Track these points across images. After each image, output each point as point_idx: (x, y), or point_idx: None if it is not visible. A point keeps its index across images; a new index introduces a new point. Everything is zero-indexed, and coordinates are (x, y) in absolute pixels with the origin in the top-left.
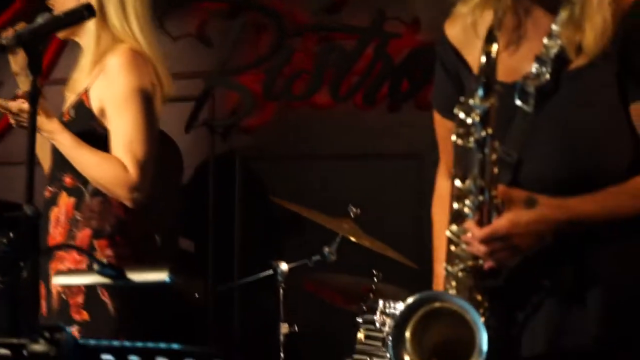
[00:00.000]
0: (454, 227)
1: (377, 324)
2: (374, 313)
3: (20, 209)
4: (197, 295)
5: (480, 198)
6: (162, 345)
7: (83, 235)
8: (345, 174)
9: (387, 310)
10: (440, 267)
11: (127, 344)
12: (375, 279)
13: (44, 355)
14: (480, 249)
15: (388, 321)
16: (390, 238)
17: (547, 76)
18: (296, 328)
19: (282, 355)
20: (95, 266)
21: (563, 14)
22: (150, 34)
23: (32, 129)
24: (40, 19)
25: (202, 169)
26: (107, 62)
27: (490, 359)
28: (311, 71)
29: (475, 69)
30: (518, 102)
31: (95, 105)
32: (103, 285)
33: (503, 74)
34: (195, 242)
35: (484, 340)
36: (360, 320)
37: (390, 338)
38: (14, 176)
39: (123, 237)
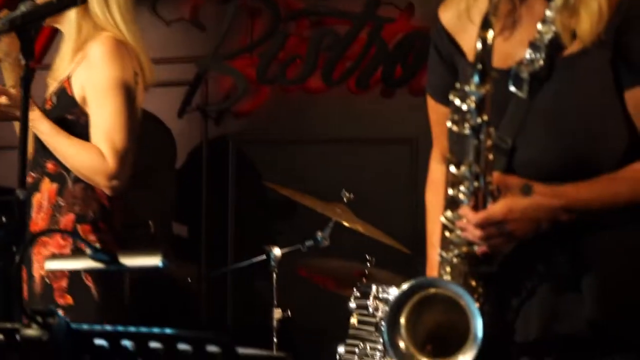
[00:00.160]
0: (449, 213)
1: (370, 309)
2: (367, 298)
3: (11, 194)
4: (190, 280)
5: (476, 184)
6: (155, 329)
7: (66, 220)
8: (338, 158)
9: (380, 295)
10: (434, 252)
11: (120, 328)
12: (368, 264)
13: (37, 340)
14: (475, 233)
15: (381, 306)
16: (383, 223)
17: (541, 62)
18: (289, 313)
19: (275, 340)
20: (88, 251)
21: (558, 0)
22: (132, 22)
23: (25, 114)
24: (23, 7)
25: (195, 154)
26: (89, 50)
27: (484, 344)
28: (305, 56)
29: (469, 55)
30: (512, 88)
31: (77, 92)
32: (87, 270)
33: (497, 60)
34: (188, 227)
35: (479, 326)
36: (353, 305)
37: (384, 324)
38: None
39: (106, 224)
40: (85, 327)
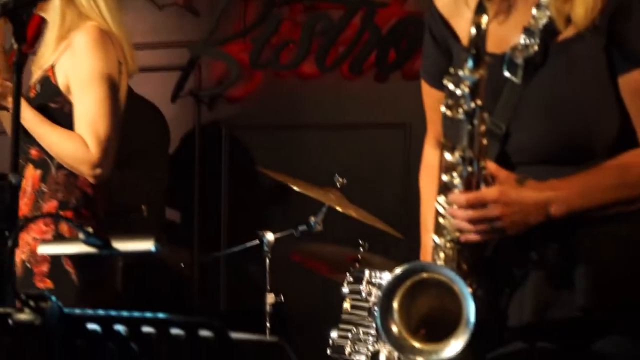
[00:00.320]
0: (443, 199)
1: (363, 294)
2: (360, 283)
3: (2, 178)
4: (182, 265)
5: (469, 169)
6: (148, 314)
7: (49, 206)
8: (331, 143)
9: (373, 280)
10: (427, 238)
11: (113, 313)
12: (361, 249)
13: (29, 324)
14: (464, 214)
15: (374, 291)
16: (376, 208)
17: (536, 47)
18: (282, 298)
19: (268, 324)
20: (81, 235)
21: None
22: (116, 10)
23: (17, 98)
24: None
25: (188, 139)
26: (73, 39)
27: (477, 329)
28: (298, 41)
29: (464, 39)
30: (506, 74)
31: (61, 81)
32: (67, 255)
33: (492, 45)
34: (181, 212)
35: (471, 310)
36: (346, 290)
37: (377, 308)
38: None
39: (89, 211)
40: (78, 311)
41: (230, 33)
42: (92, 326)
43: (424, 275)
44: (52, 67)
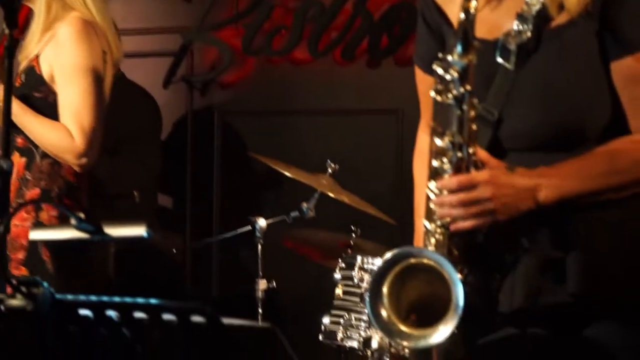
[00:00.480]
0: (433, 184)
1: (355, 280)
2: (352, 269)
3: None
4: (174, 251)
5: (459, 154)
6: (140, 300)
7: (32, 194)
8: (324, 129)
9: (365, 266)
10: (421, 223)
11: (104, 298)
12: (353, 235)
13: (21, 310)
14: (457, 197)
15: (366, 277)
16: (369, 194)
17: (529, 33)
18: (274, 284)
19: (260, 311)
20: (73, 221)
21: None
22: (101, 1)
23: (9, 84)
24: None
25: (181, 125)
26: (57, 31)
27: (468, 315)
28: (290, 27)
29: (456, 25)
30: (499, 60)
31: (45, 71)
32: (46, 244)
33: (485, 31)
34: (173, 197)
35: (460, 296)
36: (338, 276)
37: (367, 293)
38: None
39: (72, 200)
40: (70, 297)
41: (223, 19)
42: (84, 312)
43: (414, 260)
44: (37, 57)
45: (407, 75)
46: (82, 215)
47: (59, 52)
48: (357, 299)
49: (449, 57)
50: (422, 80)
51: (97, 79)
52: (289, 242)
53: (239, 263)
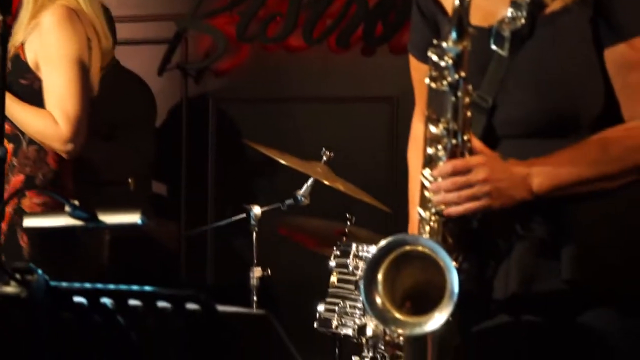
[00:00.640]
0: (427, 171)
1: (350, 268)
2: (347, 257)
3: None
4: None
5: (454, 141)
6: (135, 287)
7: (16, 180)
8: (318, 117)
9: (360, 254)
10: (415, 211)
11: (99, 286)
12: (348, 223)
13: (15, 297)
14: (452, 181)
15: (361, 265)
16: (364, 181)
17: (523, 20)
18: (269, 271)
19: (255, 298)
20: (67, 208)
21: None
22: None
23: (3, 70)
24: None
25: (175, 112)
26: (42, 19)
27: (462, 301)
28: (285, 14)
29: (451, 12)
30: (493, 46)
31: (30, 58)
32: (26, 230)
33: (479, 18)
34: (168, 185)
35: (454, 281)
36: (333, 263)
37: (362, 281)
38: None
39: (57, 187)
40: (64, 284)
41: (217, 6)
42: (78, 299)
43: (409, 247)
44: (22, 45)
45: (402, 63)
46: (76, 202)
47: (42, 40)
48: (352, 287)
49: (444, 44)
50: (417, 69)
51: (82, 65)
52: (284, 230)
53: (234, 251)
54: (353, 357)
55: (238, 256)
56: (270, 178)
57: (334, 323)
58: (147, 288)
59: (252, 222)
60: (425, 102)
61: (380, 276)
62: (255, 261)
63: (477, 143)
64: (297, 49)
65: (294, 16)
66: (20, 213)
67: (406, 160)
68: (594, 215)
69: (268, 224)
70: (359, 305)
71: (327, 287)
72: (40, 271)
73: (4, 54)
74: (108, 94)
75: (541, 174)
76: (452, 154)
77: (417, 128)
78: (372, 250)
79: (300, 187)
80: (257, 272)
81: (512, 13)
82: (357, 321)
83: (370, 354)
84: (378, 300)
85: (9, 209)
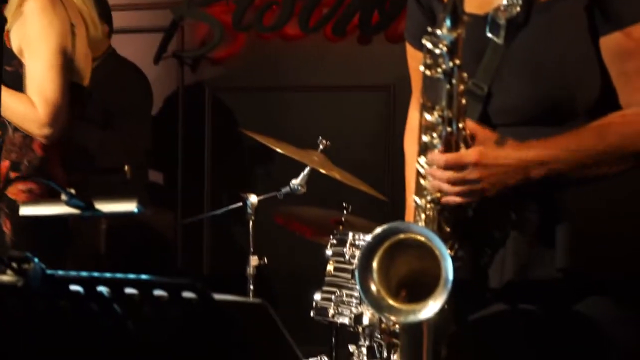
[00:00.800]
0: (423, 159)
1: (347, 257)
2: (344, 245)
3: None
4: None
5: (448, 129)
6: (131, 276)
7: (1, 166)
8: (315, 105)
9: (357, 243)
10: (412, 199)
11: (95, 274)
12: (344, 211)
13: (12, 286)
14: (443, 175)
15: (357, 254)
16: (360, 170)
17: (518, 8)
18: (265, 260)
19: (251, 287)
20: (63, 196)
21: None
22: None
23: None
24: None
25: (172, 100)
26: (25, 6)
27: (458, 289)
28: (281, 2)
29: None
30: (489, 34)
31: (15, 45)
32: (10, 217)
33: (475, 6)
34: (164, 174)
35: (449, 269)
36: (329, 252)
37: (357, 268)
38: None
39: (40, 174)
40: (60, 273)
41: None
42: (74, 287)
43: (403, 235)
44: (8, 32)
45: (399, 52)
46: (72, 190)
47: (25, 27)
48: (348, 276)
49: (438, 32)
50: (413, 57)
51: (62, 52)
52: (280, 219)
53: (230, 239)
54: (349, 346)
55: (234, 245)
56: (266, 167)
57: (331, 312)
58: (144, 276)
59: (249, 210)
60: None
61: (375, 264)
62: (252, 250)
63: (470, 124)
64: (293, 38)
65: (290, 5)
66: (1, 199)
67: (402, 148)
68: (589, 205)
69: (264, 212)
70: (356, 294)
71: (324, 276)
72: (36, 260)
73: (1, 42)
74: (104, 82)
75: (538, 161)
76: (447, 141)
77: (414, 116)
78: (368, 239)
79: (297, 176)
80: (253, 260)
81: (507, 1)
82: (354, 310)
83: (367, 343)
84: (373, 287)
85: None
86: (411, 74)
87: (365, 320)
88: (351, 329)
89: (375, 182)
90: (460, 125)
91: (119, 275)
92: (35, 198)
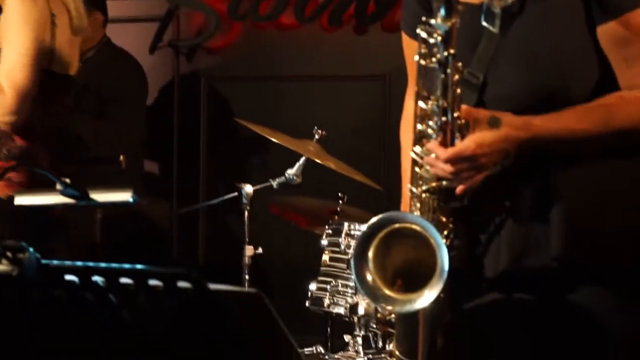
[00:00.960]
0: (418, 149)
1: (342, 246)
2: (339, 235)
3: None
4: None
5: (444, 119)
6: (126, 265)
7: None
8: (310, 95)
9: (352, 233)
10: (408, 189)
11: (90, 264)
12: (340, 201)
13: (7, 275)
14: (445, 169)
15: (353, 243)
16: (356, 160)
17: None
18: (261, 250)
19: (246, 277)
20: (58, 186)
21: None
22: None
23: None
24: None
25: (167, 90)
26: None
27: (453, 279)
28: None
29: None
30: (484, 23)
31: None
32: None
33: None
34: (160, 163)
35: (444, 258)
36: (325, 242)
37: (352, 258)
38: None
39: (20, 163)
40: (55, 262)
41: None
42: (69, 277)
43: (399, 225)
44: None
45: (394, 41)
46: (67, 180)
47: (4, 15)
48: (343, 266)
49: (432, 21)
50: (409, 46)
51: (38, 41)
52: (276, 209)
53: (226, 229)
54: (345, 336)
55: (230, 235)
56: (262, 156)
57: (326, 302)
58: (139, 266)
59: (244, 200)
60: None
61: (371, 253)
62: (247, 240)
63: (464, 109)
64: (289, 27)
65: None
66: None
67: (398, 138)
68: (584, 194)
69: (260, 202)
70: (351, 284)
71: (319, 266)
72: (31, 249)
73: None
74: (99, 72)
75: (539, 141)
76: (442, 131)
77: (410, 106)
78: (364, 228)
79: (292, 166)
80: (249, 250)
81: None
82: (349, 300)
83: (362, 333)
84: (369, 277)
85: None
86: (407, 63)
87: (361, 310)
88: (346, 319)
89: (370, 171)
90: (456, 114)
91: (114, 265)
92: (14, 187)
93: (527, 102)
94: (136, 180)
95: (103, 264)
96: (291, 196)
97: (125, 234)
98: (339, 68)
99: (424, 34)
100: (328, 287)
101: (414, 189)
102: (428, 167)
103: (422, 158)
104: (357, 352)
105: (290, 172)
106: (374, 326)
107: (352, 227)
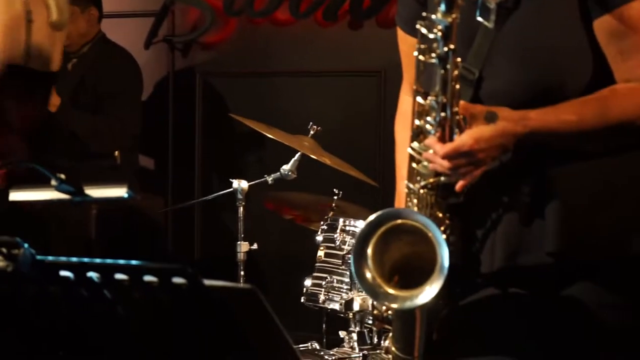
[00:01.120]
0: (416, 144)
1: (337, 242)
2: (334, 231)
3: None
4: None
5: (442, 114)
6: (121, 261)
7: None
8: (305, 91)
9: (347, 228)
10: (402, 185)
11: (85, 260)
12: (335, 197)
13: (2, 271)
14: (443, 164)
15: (348, 239)
16: (351, 155)
17: None
18: (256, 246)
19: (242, 273)
20: (53, 182)
21: None
22: None
23: None
24: None
25: (162, 85)
26: None
27: (450, 275)
28: None
29: None
30: (479, 18)
31: None
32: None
33: None
34: (155, 159)
35: (445, 255)
36: (320, 238)
37: (351, 255)
38: None
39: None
40: (50, 258)
41: None
42: (64, 273)
43: (398, 221)
44: None
45: (389, 37)
46: (62, 176)
47: None
48: (339, 261)
49: (433, 16)
50: (404, 41)
51: (12, 35)
52: (271, 204)
53: (221, 225)
54: (340, 332)
55: (225, 230)
56: (257, 152)
57: (321, 297)
58: (134, 262)
59: (239, 196)
60: (412, 75)
61: (370, 250)
62: (242, 235)
63: (461, 104)
64: (284, 23)
65: None
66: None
67: (393, 133)
68: (580, 189)
69: (255, 198)
70: (346, 279)
71: (314, 262)
72: (26, 245)
73: None
74: (94, 67)
75: (537, 136)
76: (441, 126)
77: (405, 101)
78: (359, 224)
79: (288, 161)
80: (244, 246)
81: None
82: (344, 296)
83: (357, 329)
84: (368, 274)
85: None
86: (402, 58)
87: (356, 306)
88: (342, 315)
89: (365, 167)
90: (454, 110)
91: (109, 260)
92: None
93: (523, 98)
94: (131, 175)
95: (98, 260)
96: (286, 192)
97: (120, 229)
98: (334, 63)
99: (423, 30)
100: (323, 283)
101: (411, 185)
102: (425, 163)
103: (419, 154)
104: (352, 348)
105: (286, 167)
106: (370, 322)
107: (347, 222)
